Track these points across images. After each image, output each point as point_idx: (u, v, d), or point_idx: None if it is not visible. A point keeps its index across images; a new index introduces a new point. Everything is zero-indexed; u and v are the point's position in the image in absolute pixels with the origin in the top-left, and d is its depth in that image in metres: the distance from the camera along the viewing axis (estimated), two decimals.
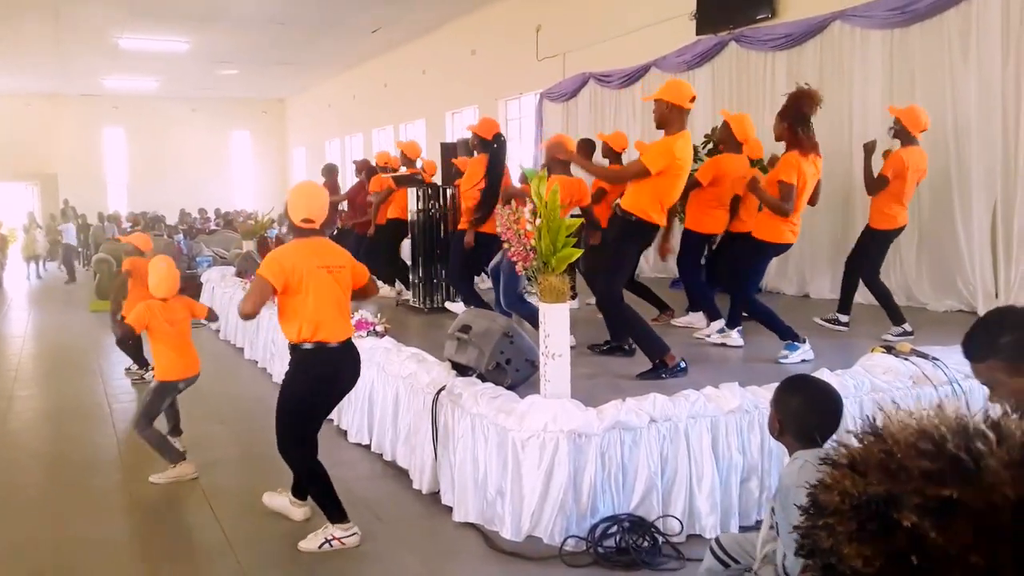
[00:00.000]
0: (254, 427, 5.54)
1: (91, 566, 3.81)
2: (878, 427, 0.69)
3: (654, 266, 9.89)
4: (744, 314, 5.61)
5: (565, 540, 3.64)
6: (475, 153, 6.52)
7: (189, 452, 4.94)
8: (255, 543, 3.94)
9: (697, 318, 6.28)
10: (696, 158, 6.46)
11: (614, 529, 3.63)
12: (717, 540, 2.80)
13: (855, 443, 0.70)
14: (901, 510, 0.61)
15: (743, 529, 3.74)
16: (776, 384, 2.67)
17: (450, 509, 4.11)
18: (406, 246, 8.23)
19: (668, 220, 5.30)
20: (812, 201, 5.60)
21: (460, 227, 6.48)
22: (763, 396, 3.85)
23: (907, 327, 5.74)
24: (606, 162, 7.12)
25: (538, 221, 3.88)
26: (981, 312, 5.71)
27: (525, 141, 13.96)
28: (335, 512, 3.79)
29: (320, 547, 3.74)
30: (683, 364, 4.72)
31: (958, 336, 2.11)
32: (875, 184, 5.75)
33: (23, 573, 3.75)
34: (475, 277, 6.98)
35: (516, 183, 6.58)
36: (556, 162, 5.62)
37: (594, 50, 11.67)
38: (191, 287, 9.41)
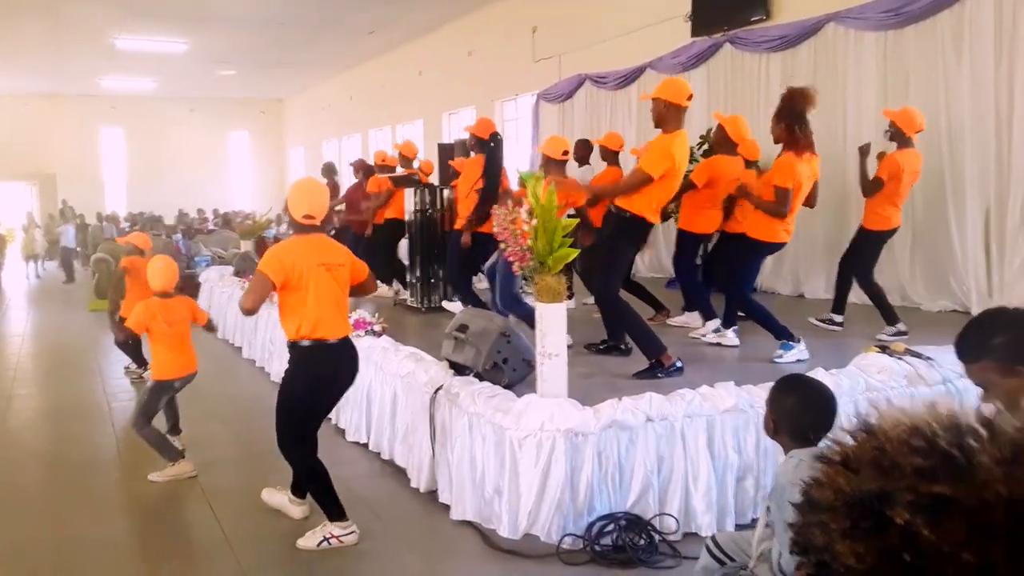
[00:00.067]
0: (253, 426, 5.56)
1: (90, 565, 3.82)
2: (871, 424, 0.68)
3: (650, 266, 9.93)
4: (740, 314, 5.64)
5: (562, 538, 3.65)
6: (472, 153, 6.54)
7: (188, 451, 4.96)
8: (254, 541, 3.96)
9: (693, 318, 6.30)
10: (691, 159, 6.48)
11: (611, 527, 3.65)
12: (713, 538, 2.82)
13: (848, 440, 0.69)
14: (894, 507, 0.61)
15: (739, 527, 3.77)
16: (771, 383, 2.69)
17: (448, 507, 4.13)
18: (403, 246, 8.24)
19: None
20: (810, 203, 5.61)
21: (456, 227, 6.50)
22: (758, 395, 3.86)
23: (901, 327, 5.76)
24: (604, 164, 7.17)
25: (534, 221, 3.90)
26: (975, 312, 5.73)
27: (522, 142, 13.97)
28: (334, 510, 3.81)
29: (319, 545, 3.76)
30: (679, 364, 4.73)
31: (952, 336, 2.13)
32: (870, 187, 5.77)
33: (23, 572, 3.76)
34: (472, 277, 7.00)
35: (514, 186, 6.58)
36: (552, 162, 5.63)
37: (590, 51, 11.69)
38: (189, 287, 9.42)
